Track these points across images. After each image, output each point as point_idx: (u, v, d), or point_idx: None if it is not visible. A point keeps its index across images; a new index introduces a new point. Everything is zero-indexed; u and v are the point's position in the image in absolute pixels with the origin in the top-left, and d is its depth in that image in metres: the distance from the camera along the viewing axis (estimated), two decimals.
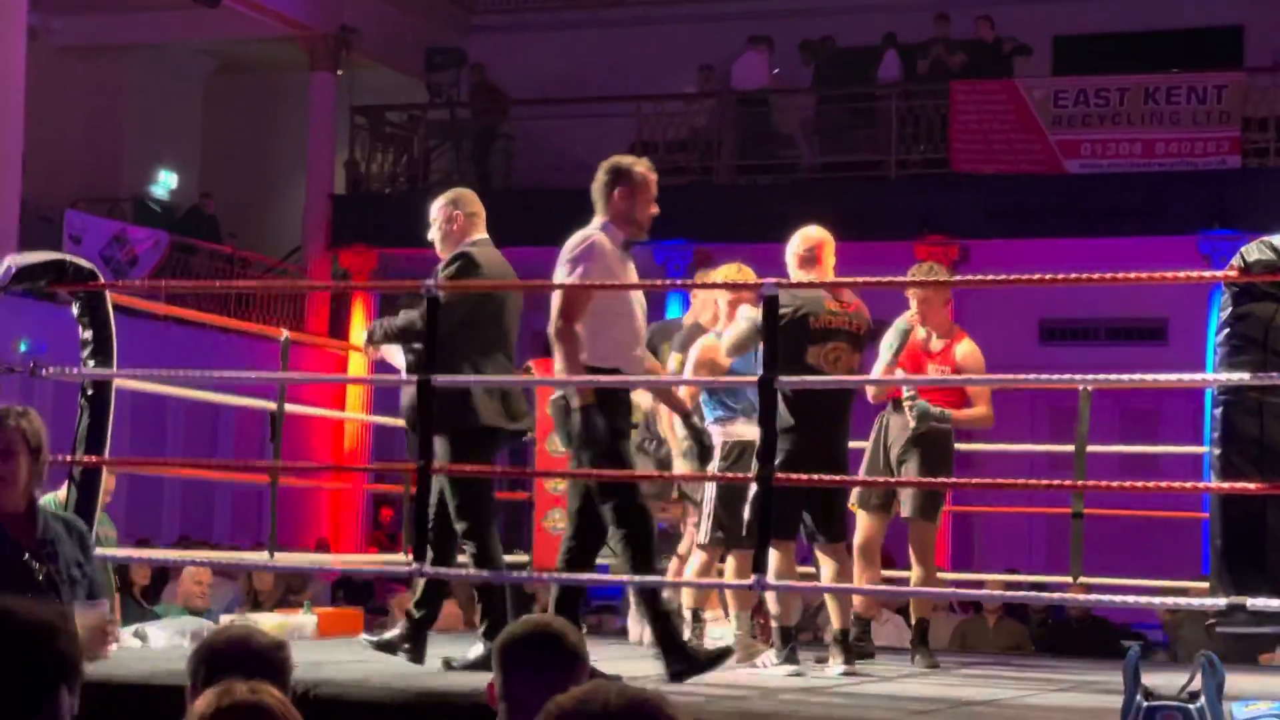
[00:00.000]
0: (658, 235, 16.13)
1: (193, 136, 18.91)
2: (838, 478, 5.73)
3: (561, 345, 5.88)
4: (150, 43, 18.63)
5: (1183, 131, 15.43)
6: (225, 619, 7.70)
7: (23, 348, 11.66)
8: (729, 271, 7.03)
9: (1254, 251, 4.84)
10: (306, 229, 18.28)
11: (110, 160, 18.31)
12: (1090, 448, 8.20)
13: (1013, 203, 15.78)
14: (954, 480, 5.28)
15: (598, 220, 6.11)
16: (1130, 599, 5.57)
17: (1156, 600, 5.46)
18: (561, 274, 5.96)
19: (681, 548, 7.86)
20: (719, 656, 6.02)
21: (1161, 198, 15.13)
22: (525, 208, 17.34)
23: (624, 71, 18.41)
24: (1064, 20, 18.02)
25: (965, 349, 7.39)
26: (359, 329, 17.65)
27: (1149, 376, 5.61)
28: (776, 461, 6.27)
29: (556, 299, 5.94)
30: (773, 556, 6.08)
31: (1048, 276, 5.79)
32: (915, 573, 7.38)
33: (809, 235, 6.86)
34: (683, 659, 5.85)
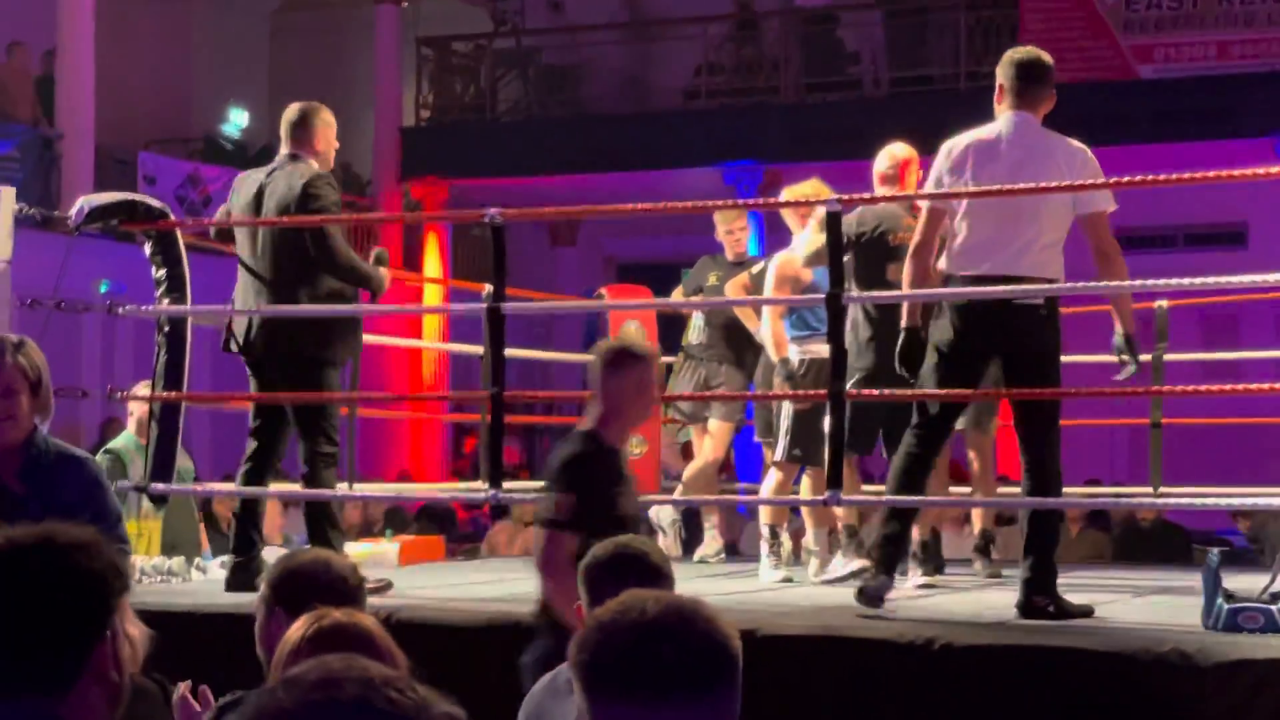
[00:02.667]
0: (726, 157, 16.31)
1: (260, 74, 18.96)
2: (910, 392, 5.69)
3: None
4: None
5: (1258, 31, 15.18)
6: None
7: (103, 288, 11.79)
8: (808, 188, 7.00)
9: None
10: (377, 162, 18.33)
11: (180, 101, 18.41)
12: (1170, 356, 8.15)
13: (1086, 111, 15.50)
14: (1021, 392, 5.27)
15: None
16: (1205, 501, 5.53)
17: (1235, 502, 5.41)
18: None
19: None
20: None
21: (1237, 100, 14.91)
22: (596, 134, 17.36)
23: None
24: None
25: None
26: (433, 260, 17.72)
27: (1220, 279, 5.54)
28: (856, 378, 6.33)
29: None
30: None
31: (1123, 180, 5.76)
32: (977, 485, 7.40)
33: (894, 152, 6.87)
34: None
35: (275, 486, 6.78)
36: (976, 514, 7.69)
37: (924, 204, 5.77)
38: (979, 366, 5.61)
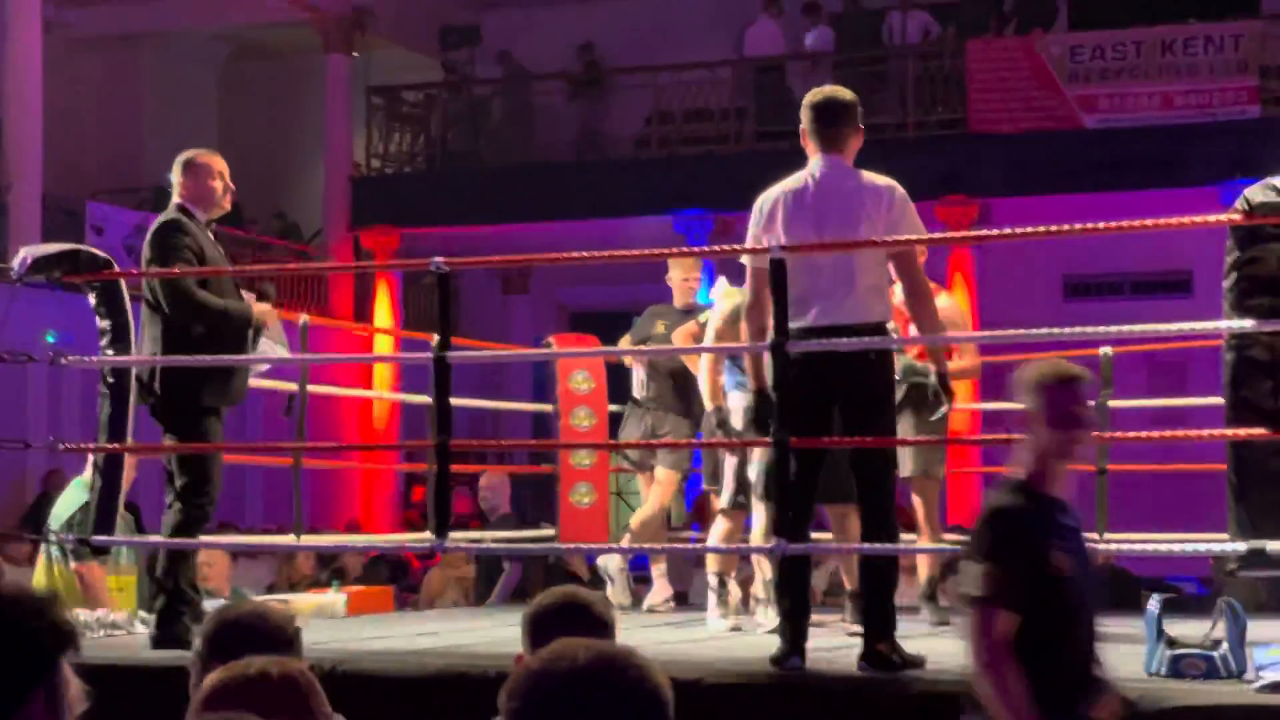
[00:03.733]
0: (677, 205, 16.35)
1: (210, 123, 18.91)
2: (857, 440, 5.70)
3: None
4: (165, 30, 18.65)
5: (1201, 82, 15.35)
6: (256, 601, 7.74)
7: (50, 339, 11.72)
8: None
9: (1259, 194, 4.82)
10: (327, 211, 18.32)
11: (129, 150, 18.36)
12: (1116, 403, 8.20)
13: (1032, 160, 15.72)
14: (981, 438, 5.30)
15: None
16: (1148, 547, 5.56)
17: (1178, 547, 5.44)
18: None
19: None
20: None
21: (1182, 150, 15.06)
22: (546, 183, 17.39)
23: (639, 43, 18.39)
24: None
25: (943, 303, 7.28)
26: (383, 310, 17.69)
27: (1159, 327, 5.56)
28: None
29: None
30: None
31: (1062, 228, 5.78)
32: (923, 531, 7.41)
33: None
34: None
35: (225, 538, 6.74)
36: (922, 561, 7.70)
37: (747, 263, 5.70)
38: (821, 416, 5.50)
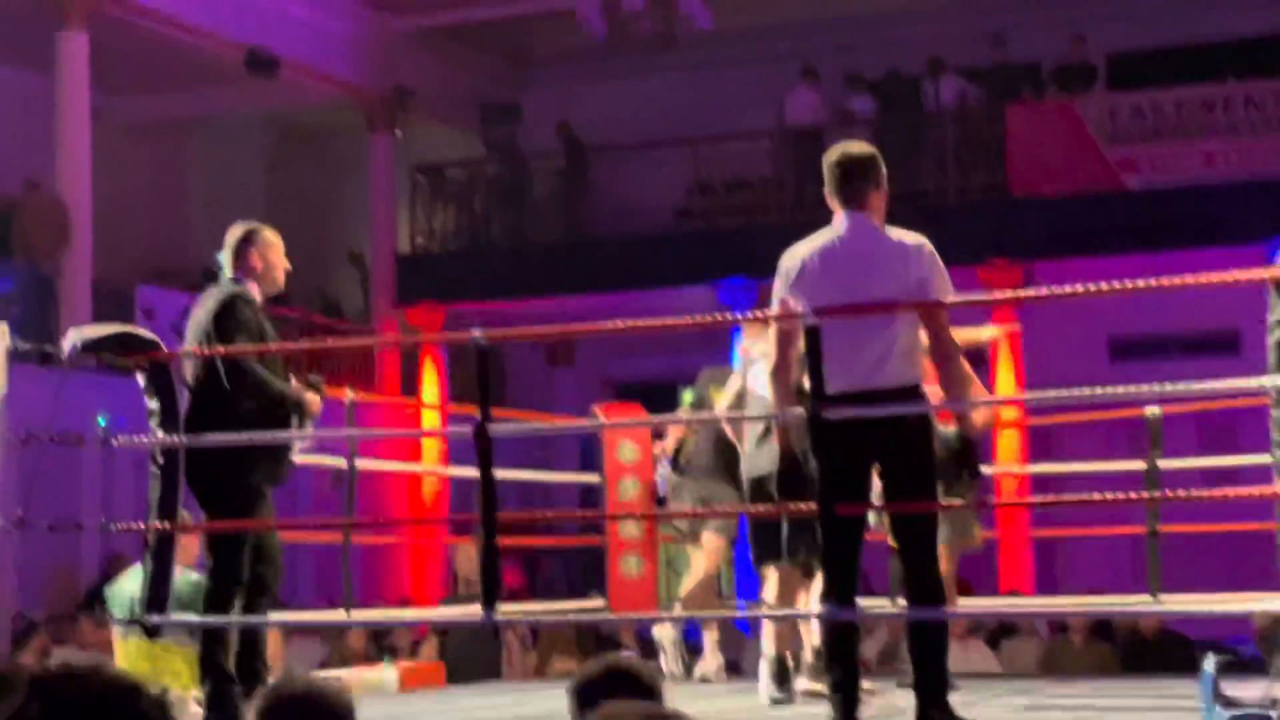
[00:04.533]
0: (720, 275, 16.40)
1: (257, 204, 19.05)
2: (900, 505, 5.67)
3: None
4: (211, 116, 18.87)
5: (1241, 141, 15.34)
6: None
7: (101, 422, 11.81)
8: None
9: None
10: (373, 289, 18.45)
11: (178, 233, 18.54)
12: (1165, 463, 8.16)
13: (1074, 223, 15.72)
14: (1028, 500, 5.27)
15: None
16: (1201, 607, 5.53)
17: (1233, 607, 5.41)
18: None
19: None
20: None
21: (1224, 209, 15.03)
22: (590, 256, 17.49)
23: (679, 115, 18.51)
24: (1117, 37, 17.95)
25: None
26: (430, 385, 17.76)
27: (1204, 385, 5.54)
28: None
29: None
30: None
31: (1100, 287, 5.70)
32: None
33: None
34: None
35: (275, 615, 6.76)
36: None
37: (773, 325, 5.64)
38: (859, 481, 5.45)
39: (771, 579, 7.01)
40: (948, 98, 17.25)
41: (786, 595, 6.87)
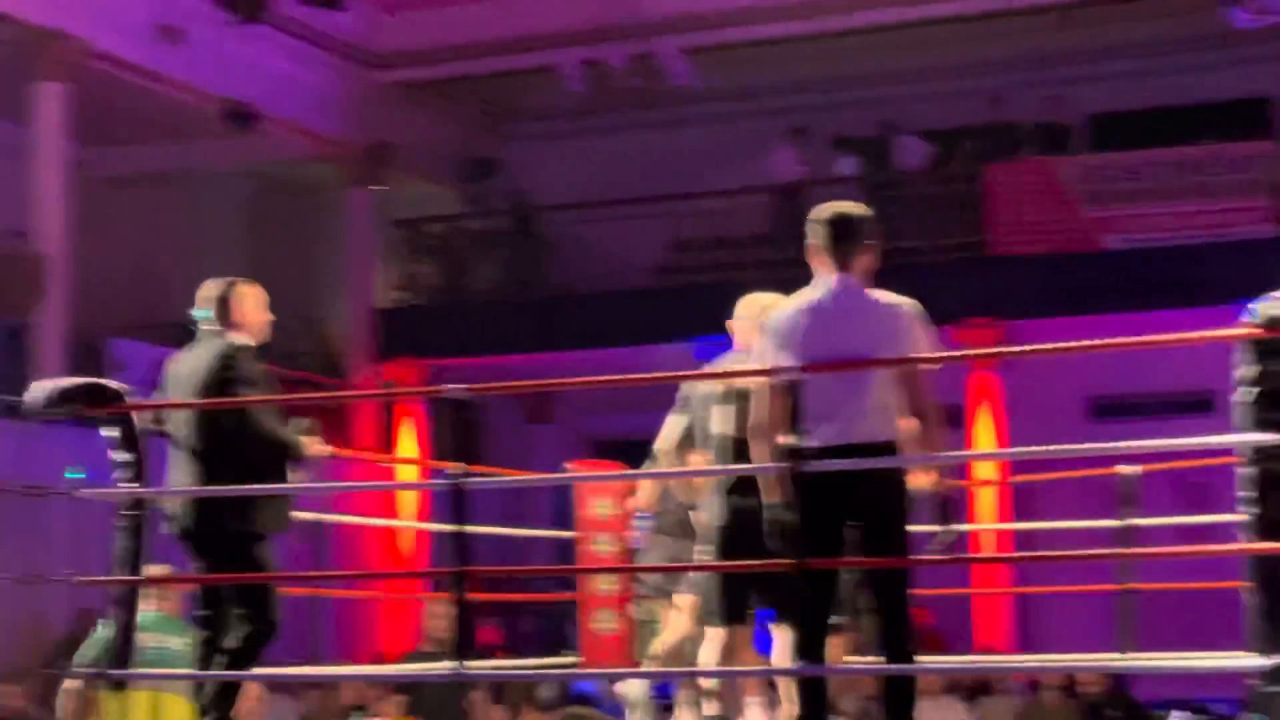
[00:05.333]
0: (699, 333, 16.38)
1: (235, 259, 19.02)
2: (874, 560, 5.64)
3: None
4: (189, 169, 18.86)
5: (1216, 203, 15.42)
6: None
7: (69, 475, 11.75)
8: None
9: (1272, 308, 4.81)
10: (352, 344, 18.41)
11: (155, 287, 18.48)
12: (1140, 521, 8.15)
13: (1053, 282, 15.76)
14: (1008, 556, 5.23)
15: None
16: (1171, 664, 5.50)
17: (1199, 665, 5.38)
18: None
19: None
20: None
21: (1200, 270, 15.09)
22: (569, 312, 17.49)
23: (659, 171, 18.56)
24: (1096, 100, 18.06)
25: None
26: (408, 441, 17.71)
27: (1179, 442, 5.51)
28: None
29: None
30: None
31: (1075, 345, 5.74)
32: None
33: None
34: None
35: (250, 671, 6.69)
36: None
37: (760, 382, 5.62)
38: (835, 536, 5.42)
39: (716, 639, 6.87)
40: (907, 159, 17.39)
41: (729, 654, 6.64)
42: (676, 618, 8.08)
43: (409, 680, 10.00)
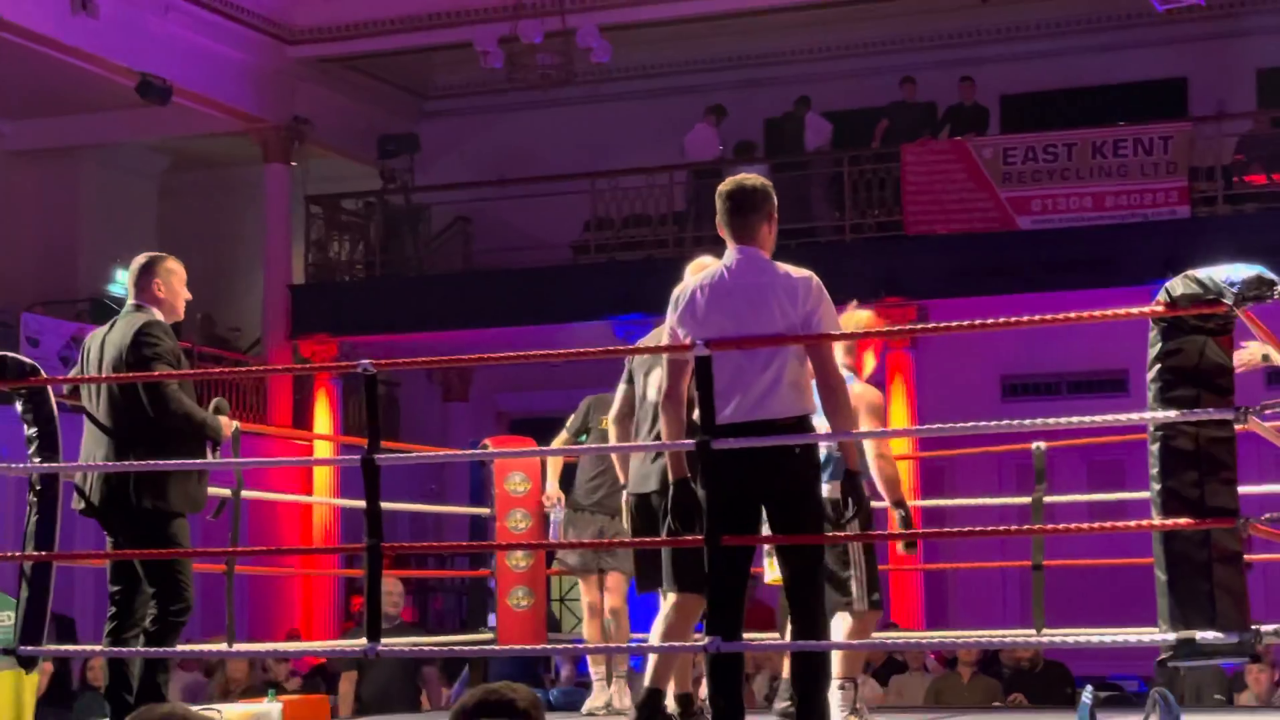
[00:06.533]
0: (617, 311, 16.40)
1: (148, 234, 18.86)
2: (785, 537, 5.66)
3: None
4: (102, 143, 18.66)
5: (1131, 183, 15.56)
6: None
7: None
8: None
9: (1179, 286, 4.86)
10: (266, 320, 18.28)
11: (67, 262, 18.31)
12: (1051, 498, 8.22)
13: (968, 262, 15.87)
14: (916, 533, 5.24)
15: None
16: (1081, 639, 5.56)
17: (1108, 639, 5.45)
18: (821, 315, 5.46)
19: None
20: None
21: (1114, 250, 15.23)
22: (485, 289, 17.44)
23: (576, 149, 18.54)
24: (1010, 79, 18.19)
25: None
26: (323, 418, 17.62)
27: (1087, 419, 5.56)
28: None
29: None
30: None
31: (984, 322, 5.76)
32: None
33: None
34: None
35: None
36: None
37: (664, 357, 5.61)
38: (747, 511, 5.42)
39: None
40: (813, 137, 17.46)
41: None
42: (606, 596, 8.09)
43: (321, 654, 9.98)
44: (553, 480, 8.46)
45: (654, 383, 6.48)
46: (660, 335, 6.14)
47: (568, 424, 8.32)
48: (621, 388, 6.98)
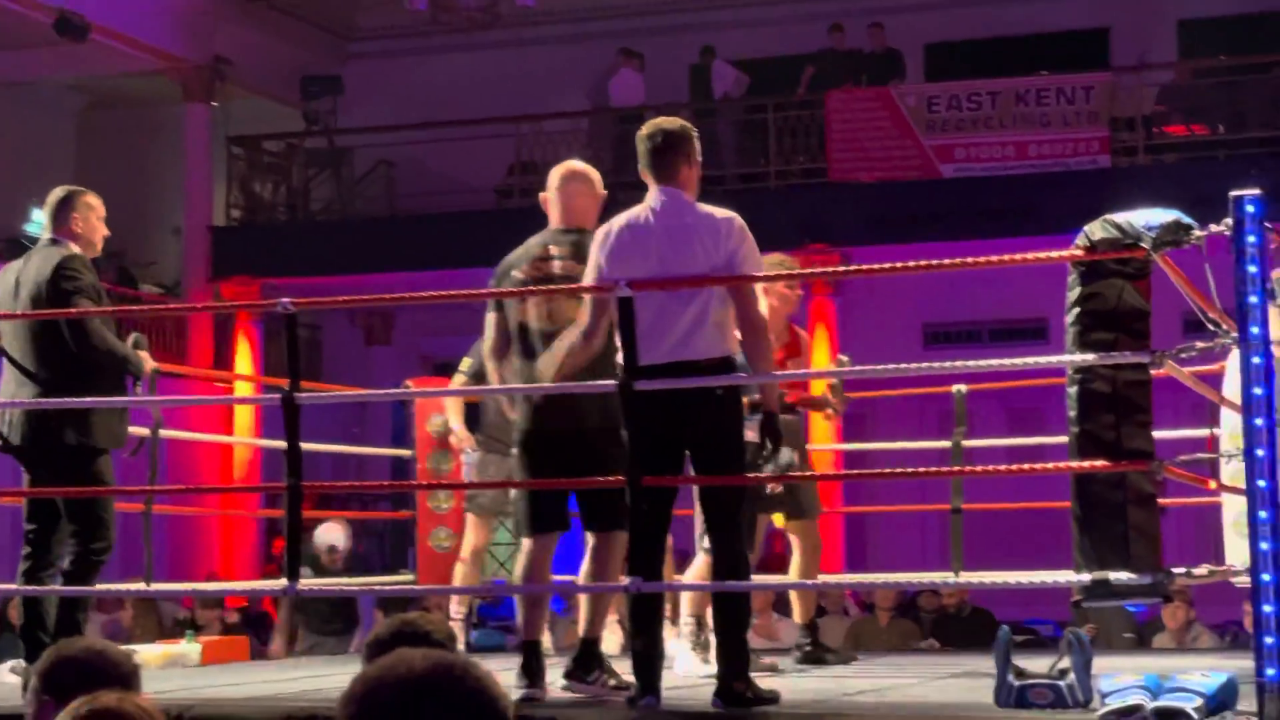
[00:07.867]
0: None
1: (66, 173, 18.61)
2: (708, 479, 5.67)
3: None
4: (17, 80, 18.38)
5: (1053, 133, 15.65)
6: None
7: None
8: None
9: (1098, 230, 4.90)
10: (186, 262, 18.12)
11: None
12: (970, 442, 8.29)
13: (891, 209, 15.92)
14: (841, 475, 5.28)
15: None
16: (997, 580, 5.63)
17: (1024, 580, 5.51)
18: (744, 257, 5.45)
19: None
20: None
21: (1035, 199, 15.31)
22: (409, 233, 17.35)
23: (501, 93, 18.44)
24: (934, 28, 18.23)
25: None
26: (244, 359, 17.51)
27: (1007, 362, 5.57)
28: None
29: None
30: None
31: (903, 265, 5.82)
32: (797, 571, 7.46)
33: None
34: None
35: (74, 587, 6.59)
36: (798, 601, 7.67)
37: (586, 297, 5.59)
38: (669, 453, 5.44)
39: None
40: (719, 84, 17.48)
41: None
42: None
43: (240, 594, 9.98)
44: (456, 420, 8.20)
45: (533, 311, 6.02)
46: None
47: (462, 365, 8.11)
48: (491, 316, 6.22)
